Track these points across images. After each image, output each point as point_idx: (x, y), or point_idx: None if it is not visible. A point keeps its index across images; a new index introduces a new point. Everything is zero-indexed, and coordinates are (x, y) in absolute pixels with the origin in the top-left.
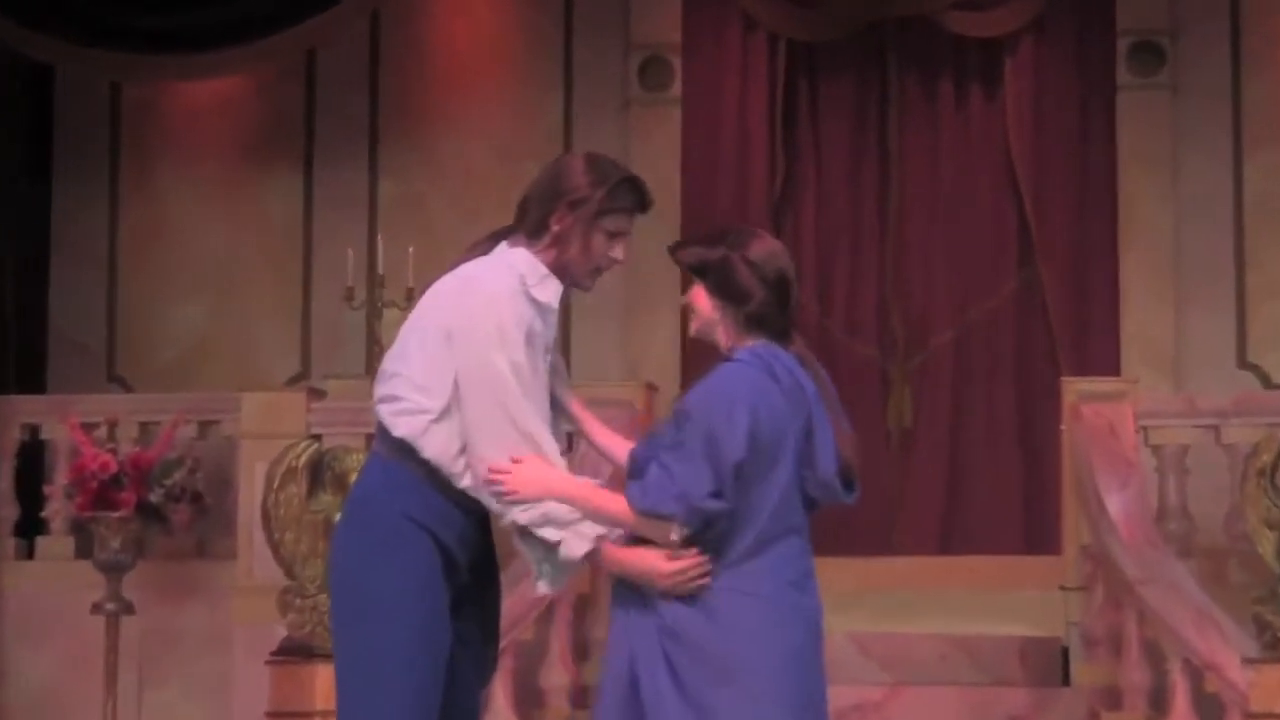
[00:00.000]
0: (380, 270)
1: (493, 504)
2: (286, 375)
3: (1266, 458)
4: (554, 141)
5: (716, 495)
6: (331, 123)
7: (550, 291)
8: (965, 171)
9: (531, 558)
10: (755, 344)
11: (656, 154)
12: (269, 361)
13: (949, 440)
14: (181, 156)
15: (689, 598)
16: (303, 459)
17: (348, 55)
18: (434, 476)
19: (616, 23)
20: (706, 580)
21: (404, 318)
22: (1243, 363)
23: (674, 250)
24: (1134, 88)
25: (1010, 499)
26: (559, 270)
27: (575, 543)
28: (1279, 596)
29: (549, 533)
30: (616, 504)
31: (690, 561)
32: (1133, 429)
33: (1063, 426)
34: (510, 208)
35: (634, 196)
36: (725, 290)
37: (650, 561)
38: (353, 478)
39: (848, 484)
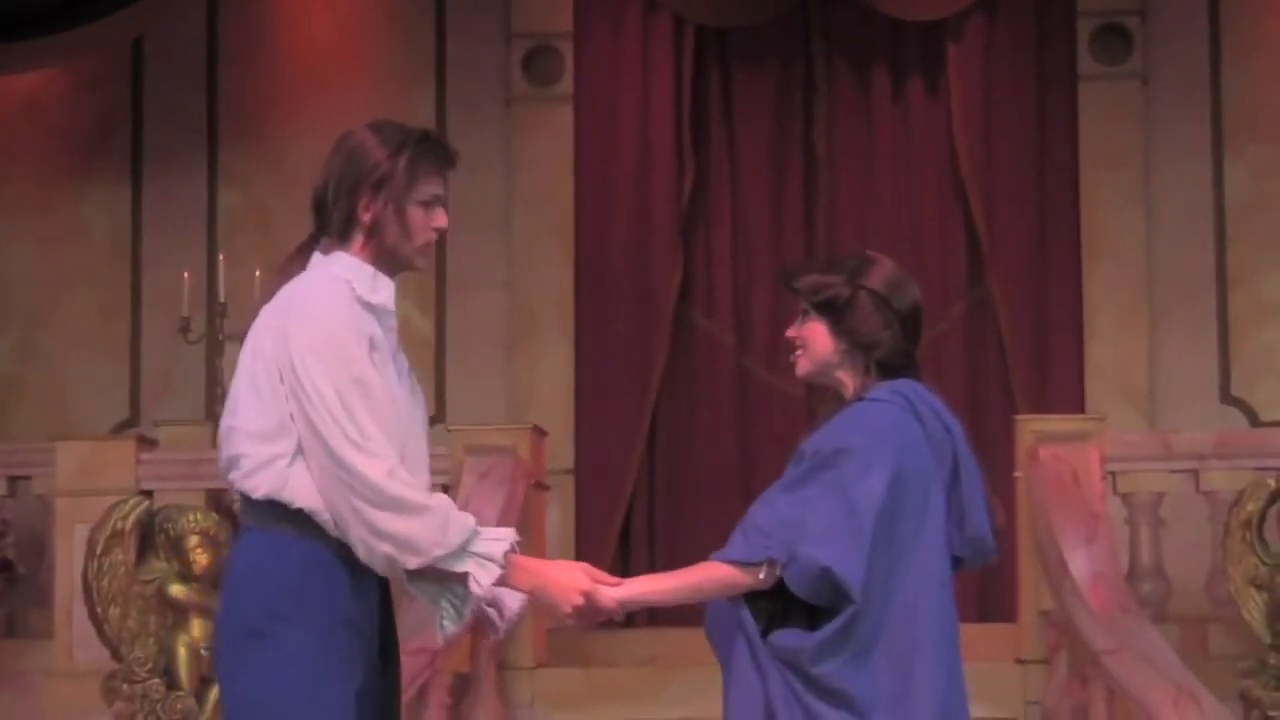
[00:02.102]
0: (221, 297)
1: (363, 552)
2: (111, 421)
3: (1252, 507)
4: None
5: (844, 560)
6: (163, 125)
7: (384, 292)
8: (904, 175)
9: (427, 598)
10: (892, 381)
11: (544, 158)
12: (90, 405)
13: None
14: None
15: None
16: (130, 519)
17: (181, 45)
18: (323, 533)
19: (496, 8)
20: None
21: None
22: (1226, 397)
23: (789, 279)
24: (1098, 77)
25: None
26: (384, 262)
27: (481, 572)
28: (1269, 668)
29: (450, 564)
30: (704, 572)
31: (614, 581)
32: (1099, 475)
33: (1018, 473)
34: None
35: (437, 153)
36: (852, 333)
37: (571, 575)
38: (190, 541)
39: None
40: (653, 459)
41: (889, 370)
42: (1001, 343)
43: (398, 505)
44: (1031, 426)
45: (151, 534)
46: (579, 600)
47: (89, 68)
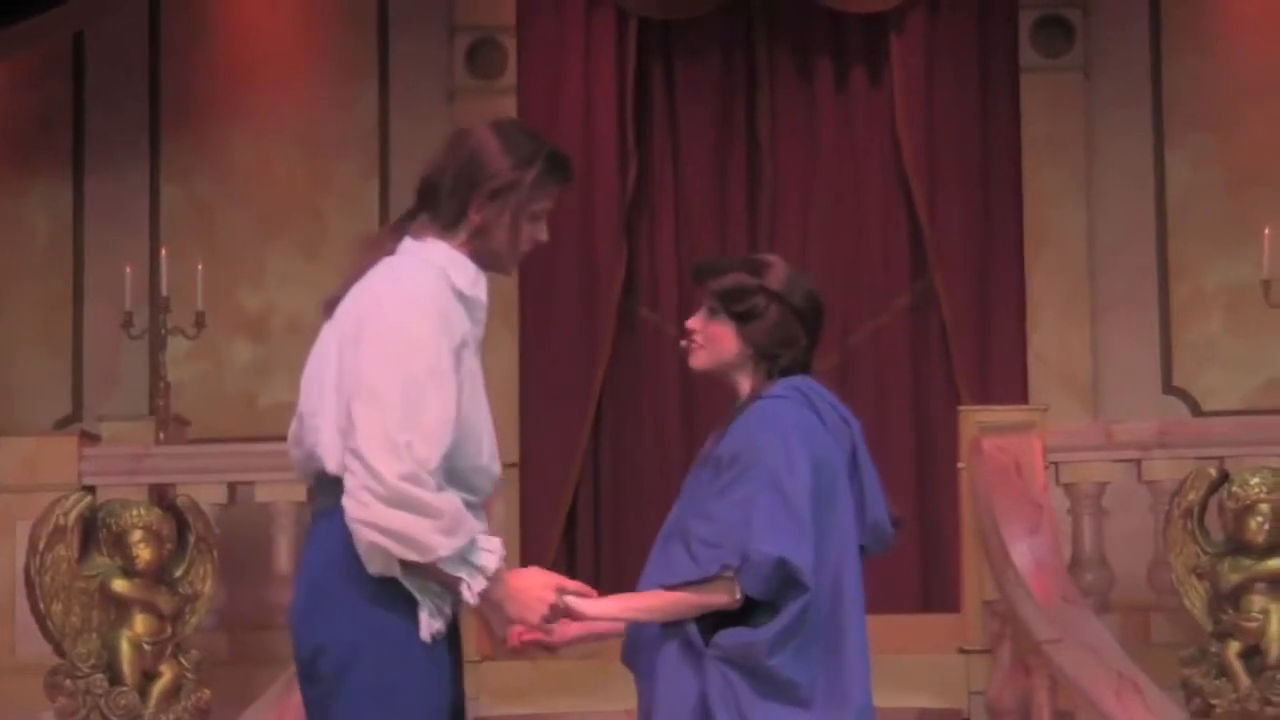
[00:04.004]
0: (164, 291)
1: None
2: (53, 417)
3: (1194, 497)
4: (368, 139)
5: (794, 548)
6: (104, 119)
7: (481, 285)
8: (848, 168)
9: (415, 591)
10: (788, 379)
11: None
12: (31, 400)
13: None
14: None
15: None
16: (73, 515)
17: (122, 39)
18: None
19: (439, 1)
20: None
21: (192, 347)
22: (1168, 387)
23: (703, 277)
24: (1040, 69)
25: (903, 549)
26: (478, 260)
27: (474, 581)
28: (1210, 657)
29: (449, 566)
30: (660, 596)
31: (577, 587)
32: (1041, 465)
33: (961, 464)
34: (316, 215)
35: (561, 171)
36: (759, 342)
37: (536, 579)
38: (134, 536)
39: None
40: (597, 452)
41: (789, 375)
42: (945, 334)
43: (410, 504)
44: (975, 417)
45: (94, 529)
46: (546, 608)
47: (29, 63)
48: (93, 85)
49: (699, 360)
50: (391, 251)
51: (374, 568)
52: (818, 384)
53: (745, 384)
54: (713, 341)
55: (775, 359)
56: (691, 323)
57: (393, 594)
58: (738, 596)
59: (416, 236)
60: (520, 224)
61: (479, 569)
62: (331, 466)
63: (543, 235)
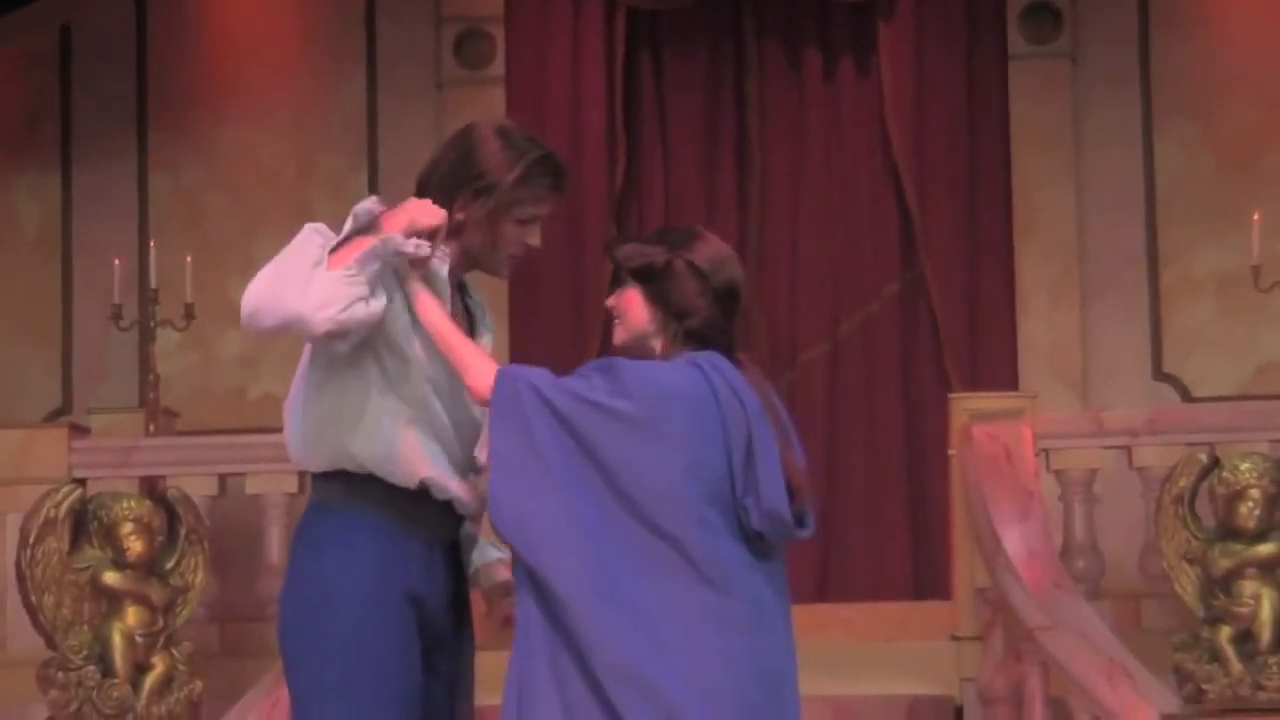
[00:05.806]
0: (153, 283)
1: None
2: (43, 410)
3: (1184, 483)
4: (356, 130)
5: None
6: (91, 111)
7: (437, 258)
8: (836, 156)
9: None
10: (695, 353)
11: None
12: (21, 393)
13: (824, 471)
14: None
15: None
16: (63, 508)
17: (108, 31)
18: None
19: None
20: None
21: (181, 339)
22: (1159, 373)
23: (611, 247)
24: (1028, 56)
25: (895, 537)
26: (463, 258)
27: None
28: (1202, 642)
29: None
30: (480, 368)
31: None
32: (1032, 452)
33: (951, 451)
34: (303, 206)
35: (549, 179)
36: (666, 301)
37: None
38: (124, 528)
39: (799, 516)
40: None
41: (700, 341)
42: (935, 321)
43: (269, 269)
44: (965, 405)
45: (85, 522)
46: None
47: (15, 56)
48: (80, 77)
49: (618, 336)
50: None
51: (341, 318)
52: (724, 362)
53: (659, 352)
54: (625, 313)
55: (684, 319)
56: (608, 301)
57: (345, 586)
58: (484, 393)
59: None
60: (500, 226)
61: (385, 239)
62: (292, 456)
63: (534, 240)
